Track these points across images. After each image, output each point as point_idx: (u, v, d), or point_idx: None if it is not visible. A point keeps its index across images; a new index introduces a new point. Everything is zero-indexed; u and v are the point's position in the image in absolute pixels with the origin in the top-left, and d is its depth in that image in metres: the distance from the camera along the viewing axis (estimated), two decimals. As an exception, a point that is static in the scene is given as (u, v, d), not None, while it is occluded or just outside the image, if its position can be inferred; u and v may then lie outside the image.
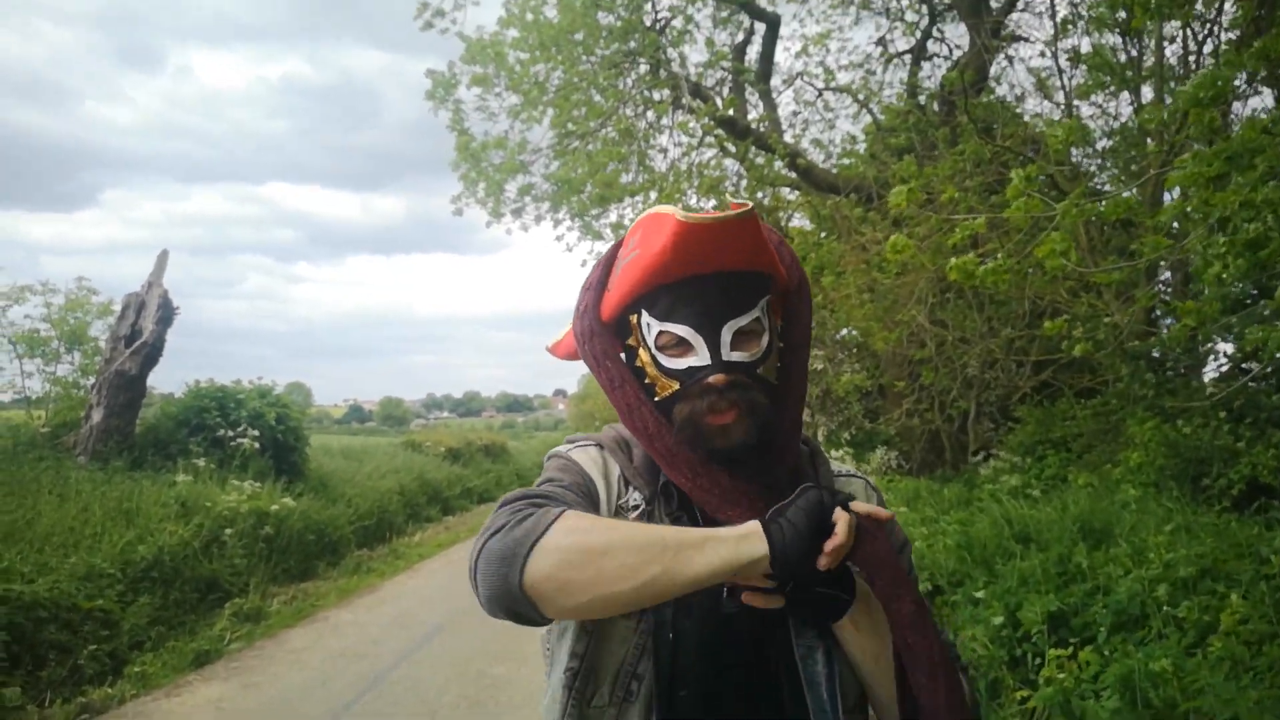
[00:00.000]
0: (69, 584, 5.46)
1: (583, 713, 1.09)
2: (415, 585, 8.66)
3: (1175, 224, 5.52)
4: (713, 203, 11.33)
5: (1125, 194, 4.45)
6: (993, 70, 10.74)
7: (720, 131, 10.84)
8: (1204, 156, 3.03)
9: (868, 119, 11.66)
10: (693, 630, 1.11)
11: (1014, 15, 10.81)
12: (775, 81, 12.04)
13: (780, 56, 12.48)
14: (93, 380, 9.22)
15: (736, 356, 1.13)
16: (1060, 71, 8.45)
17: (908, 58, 12.05)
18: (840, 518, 1.00)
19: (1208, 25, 6.91)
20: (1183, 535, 4.50)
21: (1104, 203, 4.20)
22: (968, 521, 5.90)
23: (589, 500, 1.16)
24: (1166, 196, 6.21)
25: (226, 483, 8.36)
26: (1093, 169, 9.61)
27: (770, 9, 11.48)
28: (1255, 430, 5.83)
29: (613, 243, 1.28)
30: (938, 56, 12.08)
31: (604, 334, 1.23)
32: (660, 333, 1.15)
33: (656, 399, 1.17)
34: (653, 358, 1.17)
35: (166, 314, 9.20)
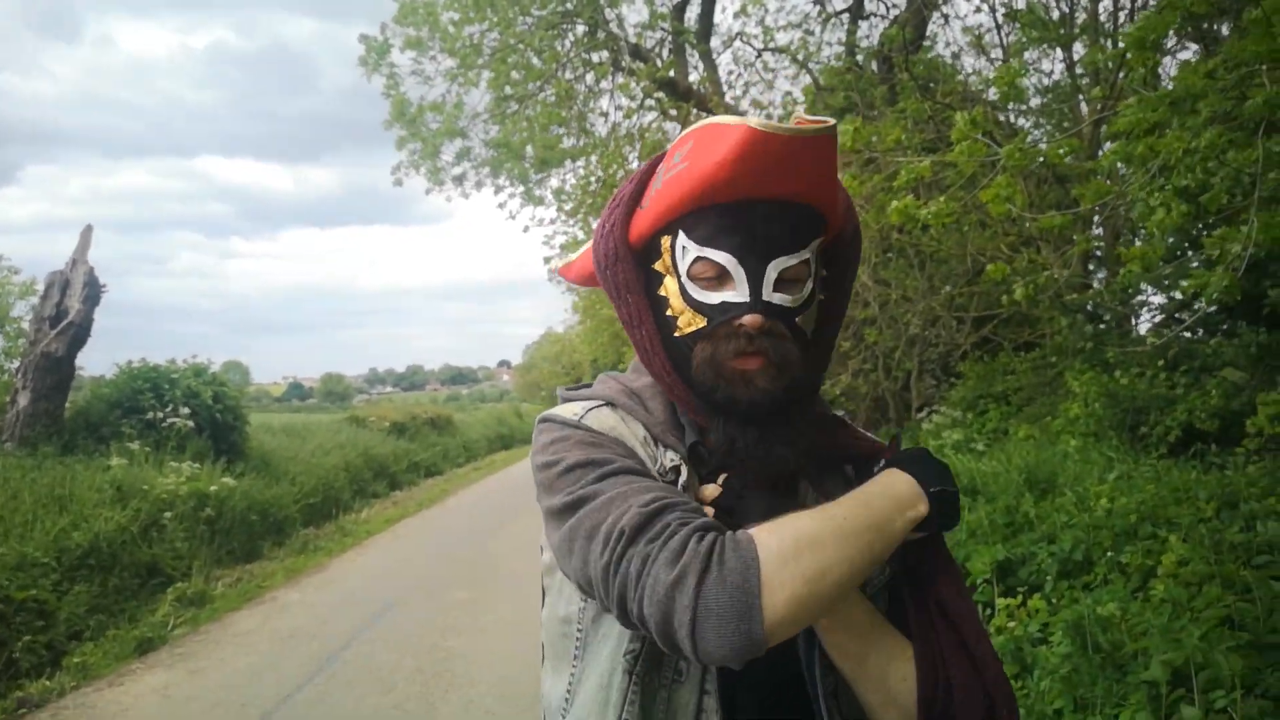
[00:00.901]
0: (0, 575, 5.26)
1: (644, 698, 1.00)
2: (364, 562, 8.54)
3: (1109, 176, 5.61)
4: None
5: (1067, 137, 4.47)
6: (930, 29, 10.77)
7: (661, 94, 10.73)
8: (1149, 101, 3.05)
9: (807, 79, 11.64)
10: None
11: (949, -28, 10.84)
12: (715, 43, 11.94)
13: (719, 17, 12.33)
14: (17, 363, 8.86)
15: (778, 299, 1.00)
16: (998, 27, 8.49)
17: (845, 17, 12.01)
18: None
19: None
20: (1124, 483, 4.60)
21: (1046, 145, 4.22)
22: (915, 477, 5.98)
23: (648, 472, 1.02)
24: (1104, 147, 6.29)
25: (164, 465, 8.12)
26: (1028, 126, 9.73)
27: (708, -32, 11.34)
28: (1190, 378, 5.99)
29: (648, 161, 1.11)
30: (875, 15, 12.06)
31: (629, 259, 1.08)
32: (697, 259, 1.01)
33: (676, 334, 1.04)
34: (681, 287, 1.03)
35: (93, 292, 8.86)
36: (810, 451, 1.06)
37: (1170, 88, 3.64)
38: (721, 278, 1.00)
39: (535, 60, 10.31)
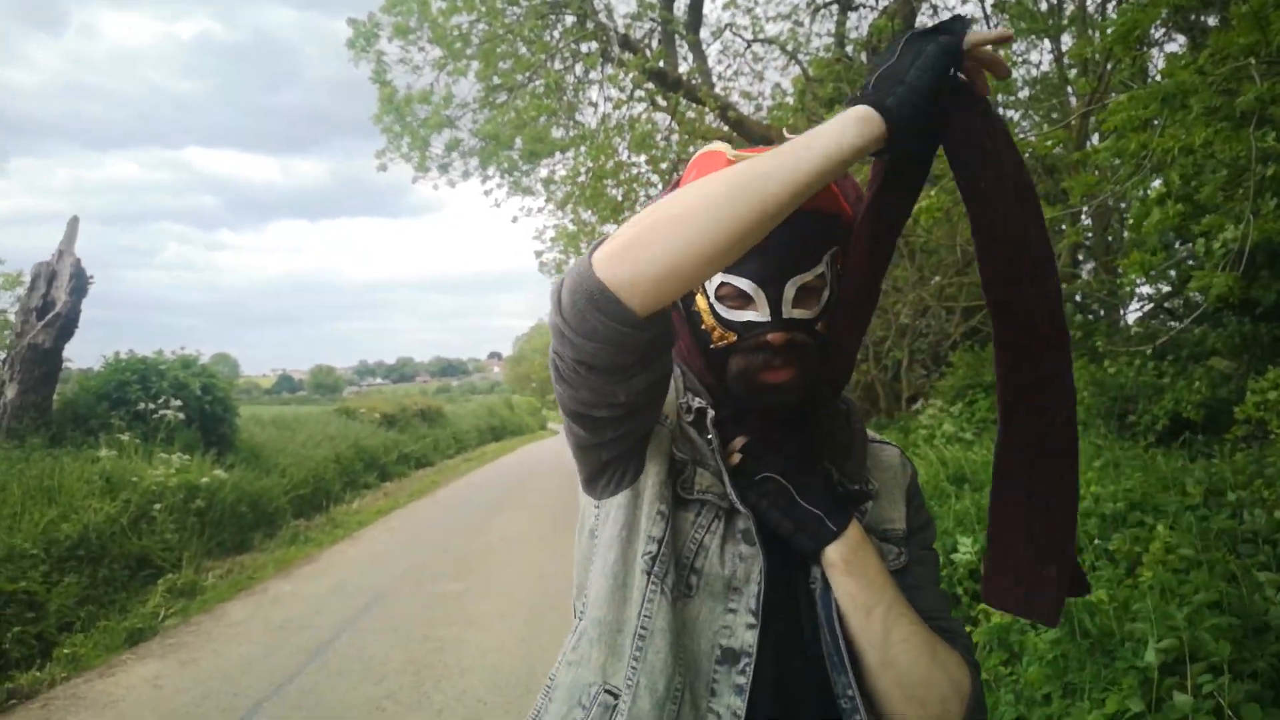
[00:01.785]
0: (-12, 567, 5.24)
1: (669, 601, 1.03)
2: (355, 553, 8.54)
3: (1098, 169, 5.64)
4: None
5: (1056, 129, 4.48)
6: (919, 20, 10.78)
7: (650, 84, 10.70)
8: (1140, 98, 3.05)
9: (796, 70, 11.63)
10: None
11: (939, -37, 10.84)
12: (704, 34, 11.92)
13: (708, 8, 12.31)
14: (4, 355, 8.81)
15: (797, 314, 1.06)
16: (986, 18, 8.50)
17: (835, 8, 12.01)
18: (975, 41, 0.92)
19: (1128, -30, 7.00)
20: (1111, 471, 4.64)
21: (1035, 137, 4.23)
22: (905, 466, 6.01)
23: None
24: (1092, 138, 6.32)
25: (153, 456, 8.09)
26: (1016, 118, 9.75)
27: (697, -42, 11.32)
28: (1177, 367, 6.03)
29: (670, 184, 1.16)
30: (864, 6, 12.06)
31: None
32: (721, 284, 1.08)
33: (711, 347, 1.12)
34: (710, 306, 1.10)
35: (80, 284, 8.81)
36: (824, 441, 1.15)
37: (1159, 80, 3.66)
38: (743, 298, 1.07)
39: (524, 50, 10.27)
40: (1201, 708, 2.48)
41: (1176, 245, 5.84)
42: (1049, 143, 5.01)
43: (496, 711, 4.36)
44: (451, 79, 10.48)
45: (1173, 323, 6.21)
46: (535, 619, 5.85)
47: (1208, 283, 2.87)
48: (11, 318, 9.15)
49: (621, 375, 0.94)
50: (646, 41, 11.40)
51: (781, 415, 1.10)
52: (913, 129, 0.89)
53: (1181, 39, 6.93)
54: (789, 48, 11.67)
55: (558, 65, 10.69)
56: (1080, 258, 8.75)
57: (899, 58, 0.92)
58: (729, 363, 1.10)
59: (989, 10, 9.00)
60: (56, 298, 8.60)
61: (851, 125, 0.88)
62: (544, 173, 11.63)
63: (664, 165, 10.99)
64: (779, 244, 1.01)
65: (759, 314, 1.06)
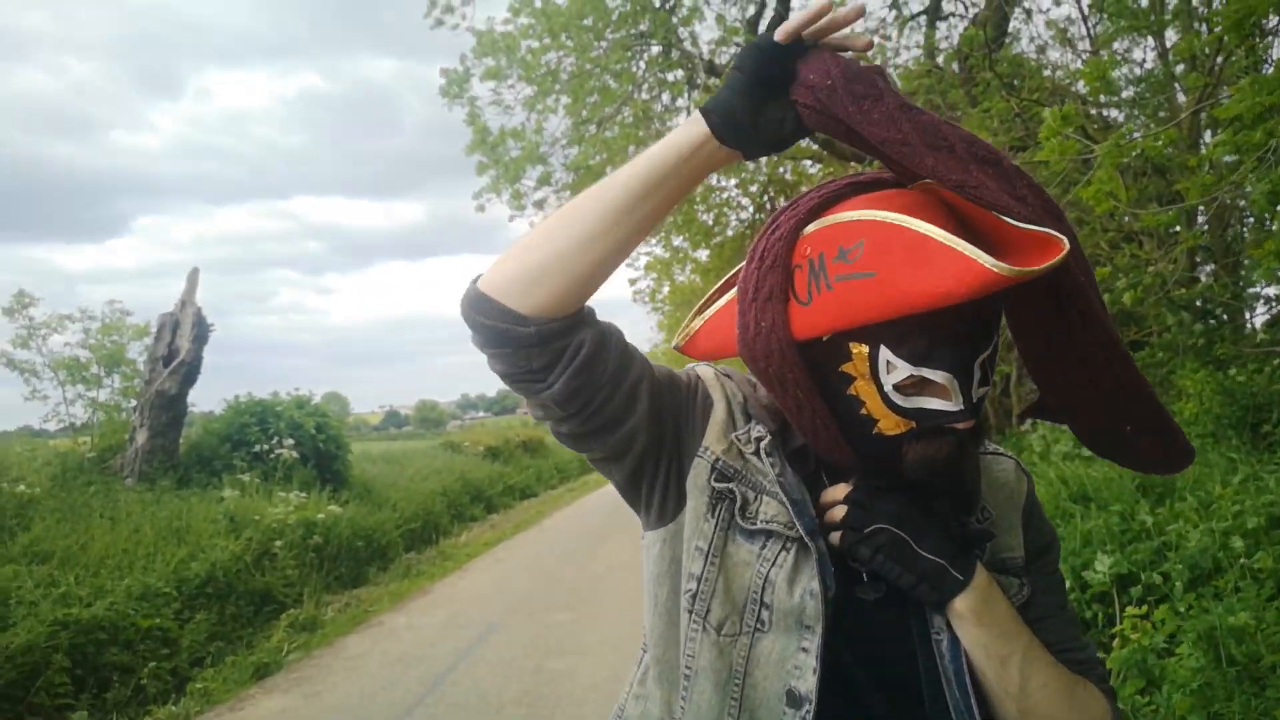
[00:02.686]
0: (126, 604, 5.52)
1: (714, 639, 1.01)
2: (466, 585, 8.68)
3: (1213, 167, 5.37)
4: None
5: (1166, 128, 4.29)
6: (1011, 25, 10.51)
7: (737, 108, 10.70)
8: (1264, 82, 2.89)
9: (885, 85, 11.45)
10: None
11: (1031, -34, 10.57)
12: (789, 54, 11.86)
13: (793, 28, 12.24)
14: (134, 402, 9.33)
15: (980, 393, 0.98)
16: (1084, 18, 8.23)
17: (923, 19, 11.83)
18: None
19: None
20: (1250, 485, 4.37)
21: (1141, 136, 4.05)
22: (1021, 485, 5.78)
23: (676, 401, 1.08)
24: (1205, 135, 6.03)
25: (273, 495, 8.42)
26: (1120, 118, 9.39)
27: (780, -21, 11.31)
28: (1313, 372, 5.67)
29: (774, 235, 1.03)
30: (954, 15, 11.85)
31: (796, 360, 0.99)
32: (907, 376, 0.96)
33: (874, 432, 0.99)
34: (883, 395, 0.97)
35: (201, 332, 9.28)
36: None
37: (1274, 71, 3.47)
38: (929, 385, 0.96)
39: (611, 83, 10.43)
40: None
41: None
42: (1159, 143, 4.80)
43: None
44: (541, 115, 10.72)
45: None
46: (645, 649, 5.81)
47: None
48: (140, 366, 9.70)
49: (535, 379, 0.97)
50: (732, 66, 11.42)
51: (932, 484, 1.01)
52: (729, 121, 0.92)
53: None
54: (877, 62, 11.52)
55: (644, 95, 10.81)
56: (1198, 260, 8.33)
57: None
58: (904, 449, 0.98)
59: (1085, 10, 8.71)
60: (180, 346, 9.08)
61: (680, 128, 0.95)
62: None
63: (753, 188, 10.98)
64: (968, 327, 0.95)
65: (947, 403, 0.96)
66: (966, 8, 11.50)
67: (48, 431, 10.77)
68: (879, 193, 0.98)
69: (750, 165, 11.41)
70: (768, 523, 1.02)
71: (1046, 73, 10.01)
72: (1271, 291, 7.58)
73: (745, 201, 11.26)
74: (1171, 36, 8.07)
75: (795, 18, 0.91)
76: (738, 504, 1.03)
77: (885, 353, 0.96)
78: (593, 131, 10.65)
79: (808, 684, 0.97)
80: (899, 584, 0.99)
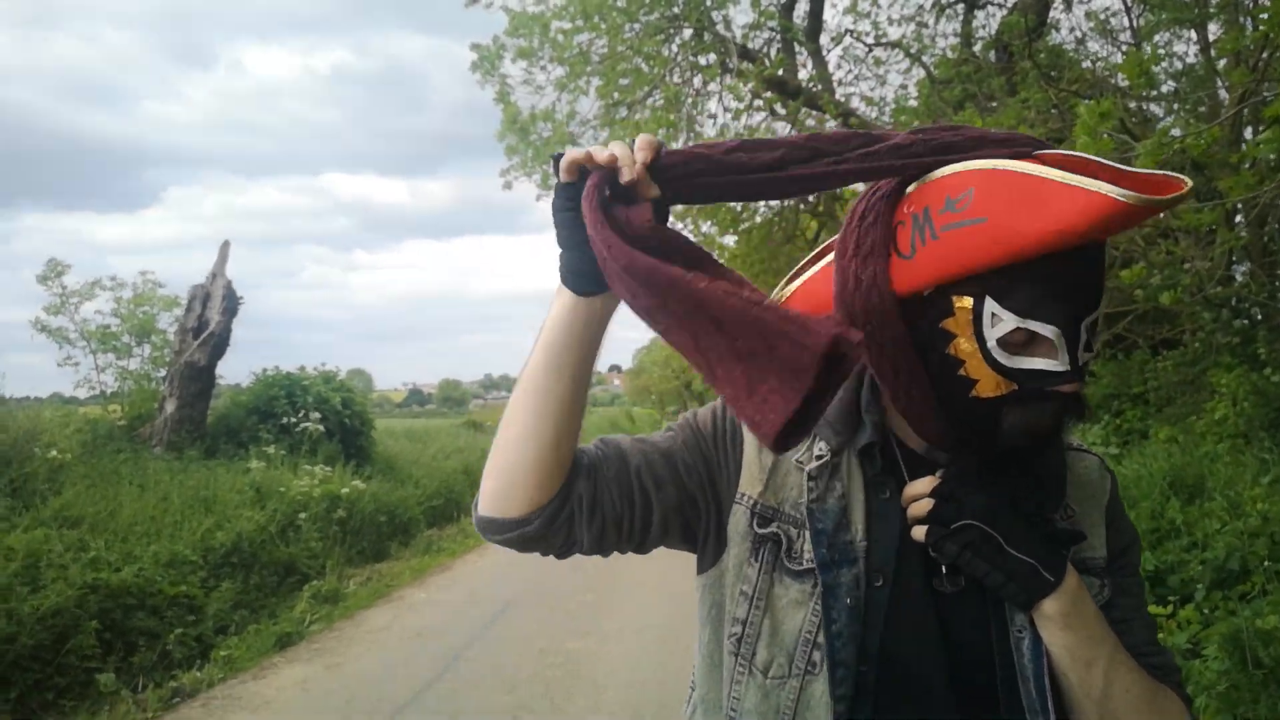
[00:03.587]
0: (153, 571, 5.60)
1: (759, 682, 1.01)
2: (486, 563, 8.74)
3: (1254, 165, 5.27)
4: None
5: (1210, 126, 4.21)
6: (1051, 15, 10.36)
7: (770, 93, 10.63)
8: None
9: (920, 73, 11.35)
10: (893, 604, 0.99)
11: (1073, -45, 10.40)
12: (824, 39, 11.77)
13: (828, 13, 12.18)
14: (163, 372, 9.44)
15: (1085, 357, 0.93)
16: (1126, 9, 8.09)
17: (960, 7, 11.67)
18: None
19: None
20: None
21: (1187, 137, 3.97)
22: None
23: (697, 457, 1.06)
24: (1248, 132, 5.92)
25: (298, 468, 8.50)
26: (1160, 113, 9.24)
27: (817, -36, 11.20)
28: (1351, 374, 5.57)
29: (876, 195, 1.00)
30: (992, 4, 11.68)
31: (896, 316, 0.96)
32: (1015, 329, 0.91)
33: (972, 395, 0.94)
34: (985, 353, 0.92)
35: (231, 304, 9.36)
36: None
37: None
38: (1034, 343, 0.92)
39: (643, 66, 10.37)
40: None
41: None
42: (1202, 140, 4.71)
43: (628, 725, 4.37)
44: (573, 97, 10.68)
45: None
46: (668, 637, 5.80)
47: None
48: (171, 337, 9.80)
49: (566, 549, 1.05)
50: (765, 51, 11.34)
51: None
52: (571, 271, 0.93)
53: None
54: (912, 50, 11.40)
55: (676, 79, 10.75)
56: (1235, 258, 8.20)
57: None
58: (1002, 414, 0.93)
59: (1128, 2, 8.56)
60: (210, 318, 9.17)
61: (555, 299, 0.97)
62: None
63: (784, 174, 10.89)
64: (1079, 281, 0.91)
65: (1053, 362, 0.91)
66: (1006, -4, 11.34)
67: (78, 399, 10.92)
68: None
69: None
70: (814, 562, 1.01)
71: (1086, 64, 9.87)
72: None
73: (775, 188, 11.21)
74: (1214, 30, 7.93)
75: (570, 153, 0.90)
76: (783, 546, 1.02)
77: (990, 304, 0.91)
78: (624, 115, 10.60)
79: None
80: (986, 583, 0.96)
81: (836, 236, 1.05)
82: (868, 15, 11.14)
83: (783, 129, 11.68)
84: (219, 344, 9.17)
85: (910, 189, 0.96)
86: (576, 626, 6.14)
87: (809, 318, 0.76)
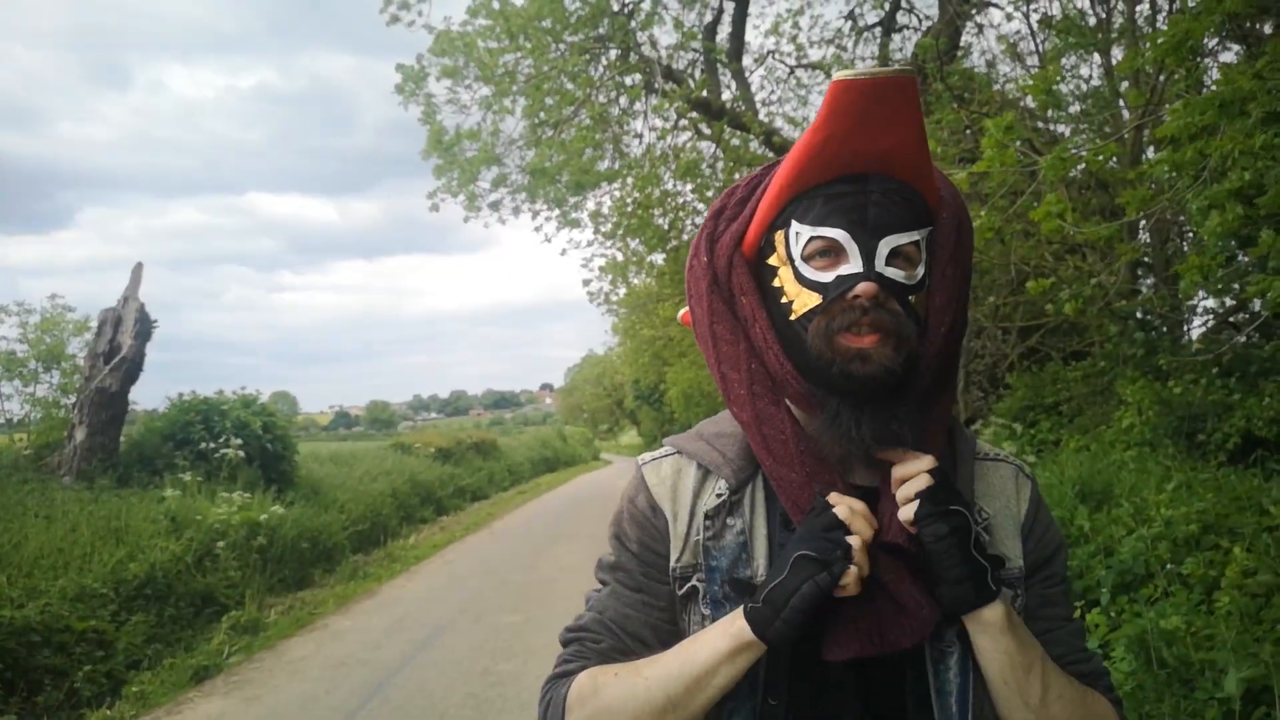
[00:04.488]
0: (60, 606, 5.36)
1: None
2: (414, 588, 8.59)
3: (1153, 182, 5.51)
4: (690, 186, 11.27)
5: (1108, 142, 4.40)
6: (964, 39, 10.70)
7: (694, 113, 10.76)
8: (1196, 104, 2.98)
9: (841, 94, 11.59)
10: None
11: (983, -19, 10.77)
12: (746, 61, 11.97)
13: (750, 35, 12.38)
14: (73, 399, 9.08)
15: (890, 272, 0.98)
16: (1033, 34, 8.41)
17: (878, 31, 12.00)
18: (849, 575, 0.94)
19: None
20: (1183, 492, 4.49)
21: (1085, 151, 4.14)
22: (965, 491, 5.87)
23: (655, 571, 1.10)
24: (1147, 152, 6.19)
25: (216, 495, 8.25)
26: (1066, 133, 9.61)
27: (738, -13, 11.39)
28: (1246, 384, 5.84)
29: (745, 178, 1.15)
30: (907, 28, 12.04)
31: (742, 265, 1.10)
32: (810, 239, 1.00)
33: (791, 318, 1.02)
34: (796, 271, 1.02)
35: (144, 328, 9.06)
36: (922, 437, 1.01)
37: (1215, 90, 3.57)
38: (835, 254, 0.99)
39: (569, 85, 10.41)
40: (1290, 741, 2.37)
41: (1240, 258, 5.68)
42: (1100, 157, 4.91)
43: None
44: (498, 116, 10.67)
45: (1239, 337, 6.02)
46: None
47: (1266, 288, 2.78)
48: (80, 362, 9.45)
49: None
50: (690, 71, 11.48)
51: (871, 390, 0.97)
52: (786, 643, 0.96)
53: (1236, 48, 6.78)
54: (832, 72, 11.65)
55: (602, 99, 10.81)
56: (1139, 273, 8.55)
57: (787, 575, 0.95)
58: (809, 329, 1.00)
59: (1035, 27, 8.91)
60: (122, 342, 8.86)
61: (726, 642, 0.98)
62: (591, 205, 11.73)
63: (709, 192, 11.01)
64: (873, 203, 0.99)
65: (849, 267, 0.98)
66: (920, 20, 11.69)
67: (-18, 428, 10.45)
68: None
69: (706, 170, 11.48)
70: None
71: (996, 86, 10.22)
72: (1210, 304, 7.82)
73: (700, 206, 11.31)
74: (1117, 54, 8.28)
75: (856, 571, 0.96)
76: (699, 594, 1.06)
77: (794, 225, 1.02)
78: (550, 134, 10.62)
79: None
80: (946, 575, 0.95)
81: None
82: (791, 38, 11.38)
83: (708, 149, 11.83)
84: (131, 369, 8.86)
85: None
86: (505, 647, 6.08)
87: None
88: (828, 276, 0.99)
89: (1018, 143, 4.14)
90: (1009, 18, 12.79)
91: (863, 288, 0.96)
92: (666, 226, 11.53)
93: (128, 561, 6.29)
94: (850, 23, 11.89)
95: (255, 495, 8.76)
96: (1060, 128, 9.47)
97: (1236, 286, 6.22)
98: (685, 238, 12.82)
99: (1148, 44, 6.68)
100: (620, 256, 12.75)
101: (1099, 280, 6.34)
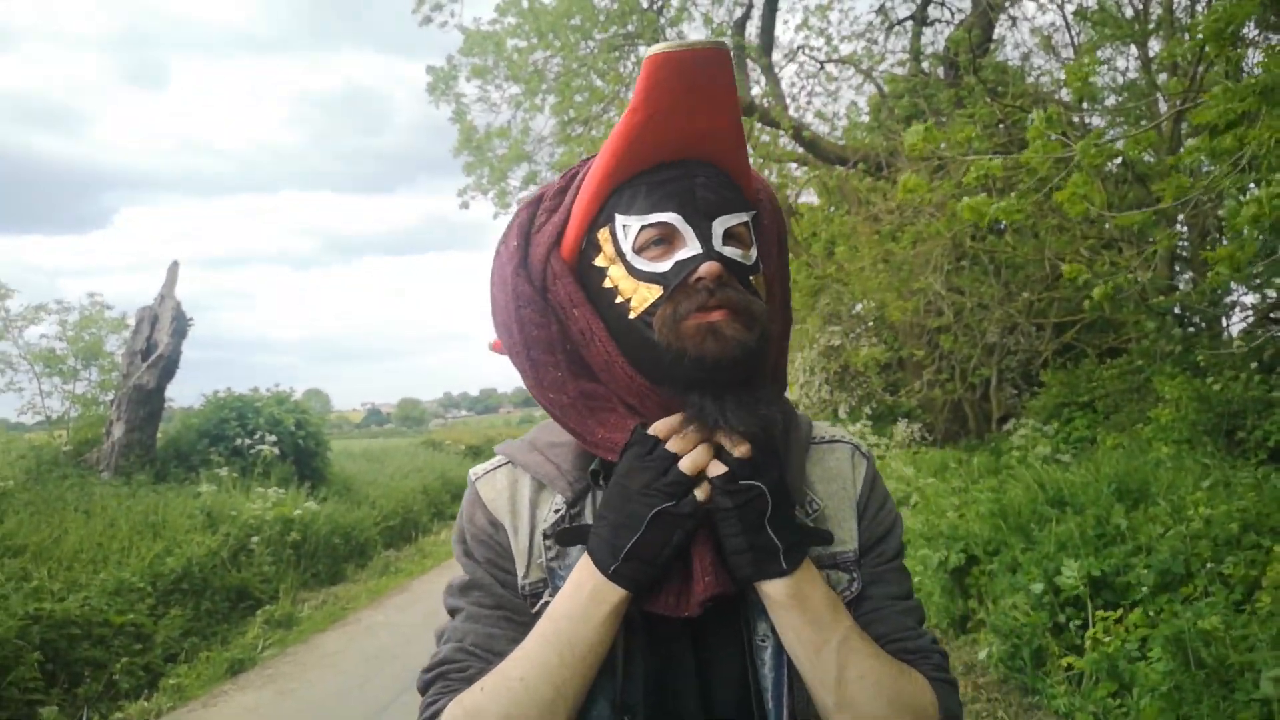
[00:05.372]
0: (100, 600, 5.46)
1: None
2: (444, 583, 8.63)
3: (1191, 172, 5.41)
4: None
5: (1146, 130, 4.32)
6: (997, 32, 10.58)
7: (723, 110, 10.70)
8: (1235, 91, 2.92)
9: (871, 89, 11.53)
10: (653, 646, 0.99)
11: (1016, -27, 10.65)
12: (776, 56, 11.91)
13: (780, 30, 12.31)
14: (111, 396, 9.24)
15: (729, 253, 0.96)
16: (1068, 26, 8.29)
17: (909, 24, 11.89)
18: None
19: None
20: (1221, 490, 4.41)
21: (1122, 141, 4.07)
22: (999, 489, 5.81)
23: (510, 588, 1.06)
24: (1185, 143, 6.07)
25: (250, 491, 8.36)
26: (1102, 126, 9.47)
27: (768, -18, 11.34)
28: (1289, 380, 5.73)
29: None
30: (940, 21, 11.92)
31: (566, 274, 1.03)
32: (641, 229, 0.97)
33: (632, 316, 0.97)
34: (629, 266, 0.98)
35: (180, 325, 9.20)
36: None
37: (1255, 77, 3.49)
38: (669, 241, 0.97)
39: (599, 82, 10.41)
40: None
41: (1281, 251, 5.56)
42: (1138, 146, 4.82)
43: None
44: (528, 114, 10.70)
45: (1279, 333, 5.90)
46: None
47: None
48: (118, 360, 9.61)
49: None
50: (719, 68, 11.40)
51: (726, 371, 0.93)
52: (616, 550, 0.94)
53: (1276, 39, 6.63)
54: (863, 66, 11.57)
55: (631, 96, 10.80)
56: (1177, 268, 8.41)
57: (646, 532, 0.93)
58: (654, 320, 0.95)
59: (1069, 19, 8.78)
60: (159, 340, 9.00)
61: (601, 609, 0.94)
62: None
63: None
64: (701, 185, 0.97)
65: (687, 250, 0.95)
66: (952, 13, 11.58)
67: (24, 425, 10.66)
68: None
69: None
70: None
71: (1030, 79, 10.09)
72: (1250, 300, 7.67)
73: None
74: (1155, 46, 8.15)
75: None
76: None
77: (620, 220, 0.99)
78: (579, 131, 10.63)
79: None
80: (728, 545, 0.94)
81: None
82: (821, 31, 11.30)
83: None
84: (168, 366, 9.00)
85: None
86: (535, 645, 6.09)
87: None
88: (665, 265, 0.96)
89: (1053, 136, 4.08)
90: (1043, 10, 12.63)
91: (706, 268, 0.94)
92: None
93: (165, 556, 6.39)
94: (881, 16, 11.80)
95: (289, 491, 8.87)
96: (1095, 119, 9.34)
97: (1279, 280, 6.10)
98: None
99: (1187, 34, 6.58)
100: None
101: (1133, 273, 6.24)
